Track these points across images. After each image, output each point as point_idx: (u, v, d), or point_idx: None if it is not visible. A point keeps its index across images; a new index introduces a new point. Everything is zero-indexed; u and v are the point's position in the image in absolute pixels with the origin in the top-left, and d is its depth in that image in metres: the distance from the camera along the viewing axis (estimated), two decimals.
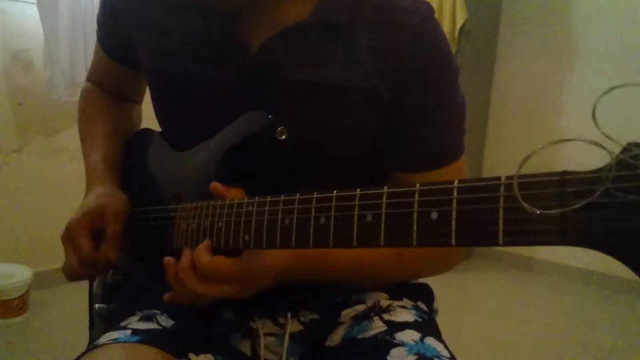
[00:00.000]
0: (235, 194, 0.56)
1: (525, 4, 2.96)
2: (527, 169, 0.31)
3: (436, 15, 0.65)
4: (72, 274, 0.68)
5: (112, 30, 0.77)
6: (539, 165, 0.32)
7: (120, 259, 0.69)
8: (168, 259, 0.58)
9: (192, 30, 0.65)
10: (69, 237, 0.67)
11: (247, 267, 0.55)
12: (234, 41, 0.64)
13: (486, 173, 3.12)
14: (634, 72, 2.54)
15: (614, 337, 2.19)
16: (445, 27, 2.68)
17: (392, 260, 0.65)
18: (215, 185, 0.57)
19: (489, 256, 3.09)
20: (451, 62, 0.65)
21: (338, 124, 0.63)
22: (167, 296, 0.59)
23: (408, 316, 0.67)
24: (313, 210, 0.45)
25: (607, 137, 0.28)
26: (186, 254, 0.57)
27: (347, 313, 0.69)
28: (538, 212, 0.30)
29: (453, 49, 2.68)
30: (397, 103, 0.63)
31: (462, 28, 2.71)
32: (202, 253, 0.55)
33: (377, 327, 0.64)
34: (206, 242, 0.56)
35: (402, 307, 0.69)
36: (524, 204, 0.30)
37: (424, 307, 0.72)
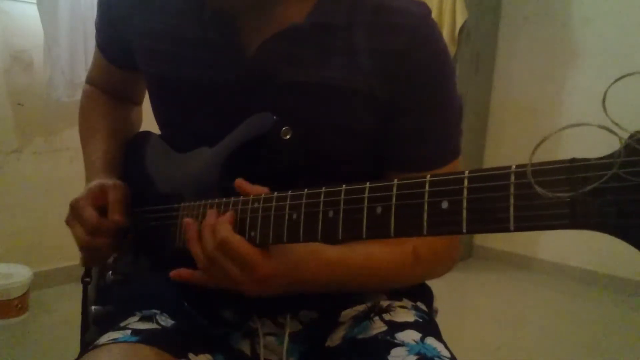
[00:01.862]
0: (260, 191, 0.54)
1: (525, 4, 2.96)
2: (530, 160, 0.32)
3: (436, 15, 0.65)
4: (82, 249, 0.68)
5: (109, 35, 0.77)
6: (540, 157, 0.32)
7: (122, 252, 0.69)
8: (187, 220, 0.57)
9: (188, 34, 0.65)
10: (73, 214, 0.68)
11: (268, 259, 0.53)
12: (231, 44, 0.64)
13: None
14: (635, 71, 2.54)
15: (614, 337, 2.19)
16: (445, 27, 2.68)
17: (408, 262, 0.64)
18: (241, 182, 0.56)
19: (489, 256, 3.09)
20: (448, 64, 0.65)
21: (336, 125, 0.63)
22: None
23: (408, 316, 0.67)
24: (321, 204, 0.45)
25: (616, 124, 0.29)
26: (211, 214, 0.56)
27: (347, 313, 0.69)
28: (550, 196, 0.31)
29: (453, 49, 2.68)
30: (395, 104, 0.63)
31: (462, 28, 2.71)
32: (224, 225, 0.53)
33: (378, 327, 0.64)
34: (229, 213, 0.54)
35: (402, 307, 0.69)
36: (538, 188, 0.31)
37: (423, 307, 0.72)
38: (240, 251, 0.52)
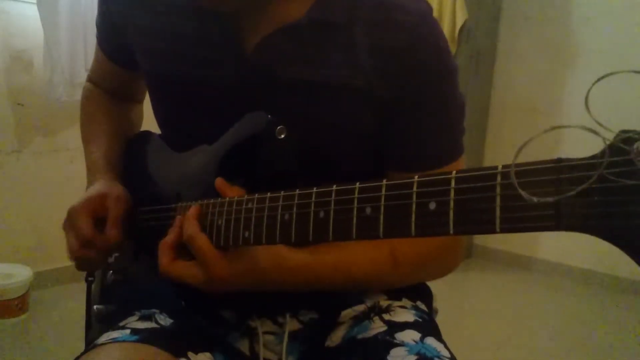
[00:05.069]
0: (234, 193, 0.56)
1: (525, 3, 2.96)
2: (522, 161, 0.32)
3: (436, 15, 0.64)
4: (73, 258, 0.67)
5: (109, 33, 0.78)
6: (534, 158, 0.32)
7: (121, 251, 0.68)
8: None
9: (187, 32, 0.65)
10: (69, 221, 0.67)
11: (226, 262, 0.55)
12: (230, 41, 0.64)
13: None
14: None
15: (614, 337, 2.19)
16: (445, 27, 2.68)
17: (386, 265, 0.64)
18: (219, 182, 0.58)
19: (489, 256, 3.09)
20: (450, 62, 0.65)
21: (336, 124, 0.63)
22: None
23: (408, 316, 0.66)
24: (312, 204, 0.45)
25: (600, 124, 0.28)
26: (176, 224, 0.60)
27: (347, 313, 0.69)
28: (535, 200, 0.30)
29: (453, 49, 2.69)
30: (396, 103, 0.62)
31: (462, 28, 2.71)
32: (191, 221, 0.57)
33: (377, 327, 0.64)
34: (194, 209, 0.58)
35: (402, 307, 0.69)
36: (521, 191, 0.31)
37: (423, 307, 0.72)
38: (203, 249, 0.55)
